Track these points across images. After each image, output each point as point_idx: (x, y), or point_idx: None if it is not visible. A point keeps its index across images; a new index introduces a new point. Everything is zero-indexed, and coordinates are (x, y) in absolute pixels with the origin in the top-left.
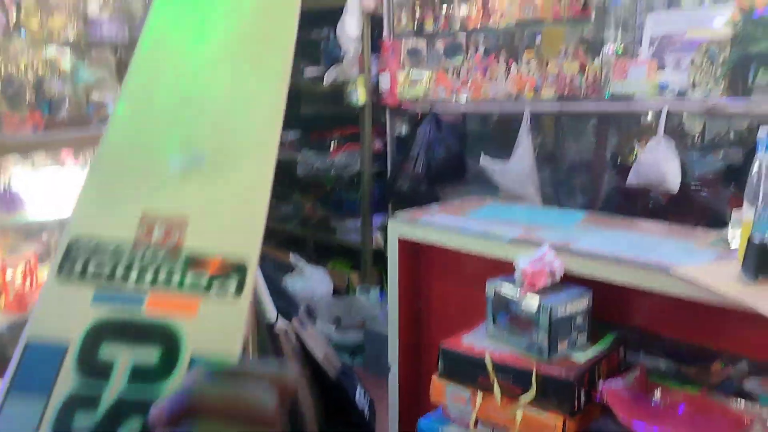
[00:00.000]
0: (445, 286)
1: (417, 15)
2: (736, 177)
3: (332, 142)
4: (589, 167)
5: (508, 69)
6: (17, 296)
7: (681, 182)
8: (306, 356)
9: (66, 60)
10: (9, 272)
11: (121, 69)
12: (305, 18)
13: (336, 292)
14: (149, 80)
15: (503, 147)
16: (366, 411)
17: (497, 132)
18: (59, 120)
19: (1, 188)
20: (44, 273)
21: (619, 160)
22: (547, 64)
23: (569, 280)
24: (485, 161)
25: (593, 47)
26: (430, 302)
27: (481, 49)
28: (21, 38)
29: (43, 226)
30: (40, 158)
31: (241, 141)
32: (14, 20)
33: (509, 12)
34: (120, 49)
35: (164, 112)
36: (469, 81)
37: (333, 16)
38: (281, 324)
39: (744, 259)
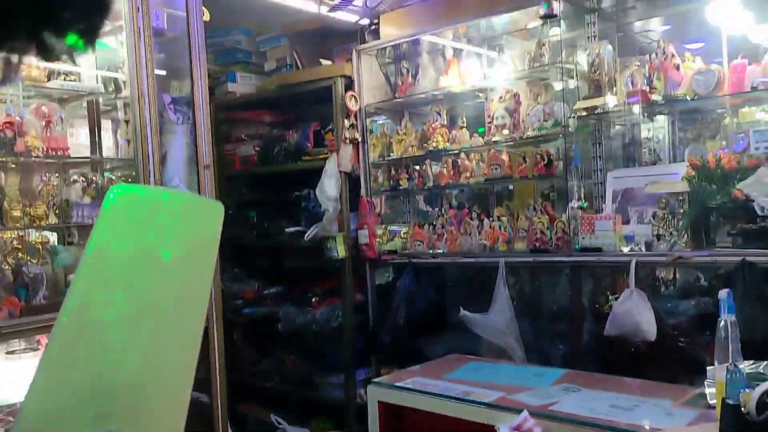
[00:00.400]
0: None
1: (392, 173)
2: (711, 324)
3: (314, 297)
4: (568, 316)
5: (480, 223)
6: None
7: (657, 330)
8: None
9: (47, 244)
10: None
11: None
12: (287, 179)
13: None
14: (68, 351)
15: (482, 297)
16: None
17: (475, 282)
18: (36, 304)
19: None
20: None
21: (597, 307)
22: (517, 219)
23: None
24: (465, 314)
25: (560, 201)
26: None
27: (455, 204)
28: (1, 227)
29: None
30: (15, 343)
31: (154, 410)
32: None
33: (478, 170)
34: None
35: (80, 385)
36: (445, 234)
37: (313, 176)
38: None
39: (721, 421)
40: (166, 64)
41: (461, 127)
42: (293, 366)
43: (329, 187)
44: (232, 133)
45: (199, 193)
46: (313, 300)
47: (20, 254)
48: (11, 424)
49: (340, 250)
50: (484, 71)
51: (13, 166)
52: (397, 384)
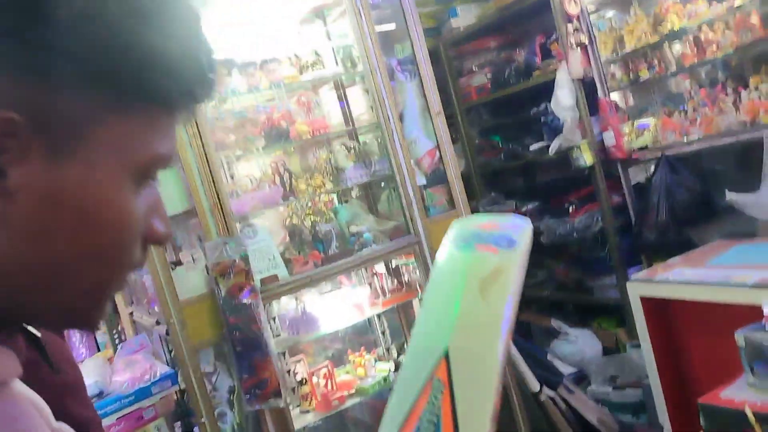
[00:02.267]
0: (699, 338)
1: (630, 67)
2: None
3: (570, 206)
4: None
5: (737, 97)
6: (323, 396)
7: None
8: (580, 422)
9: (331, 205)
10: (314, 378)
11: (368, 202)
12: (519, 98)
13: (606, 351)
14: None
15: (749, 176)
16: None
17: (739, 163)
18: (332, 254)
19: (300, 312)
20: (340, 376)
21: None
22: None
23: None
24: (731, 197)
25: None
26: (688, 356)
27: (706, 83)
28: (294, 199)
29: (334, 336)
30: (323, 284)
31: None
32: (289, 187)
33: (725, 41)
34: (365, 186)
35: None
36: (698, 118)
37: (545, 89)
38: (547, 393)
39: None
40: (387, 31)
41: None
42: (564, 273)
43: (563, 97)
44: (463, 67)
45: (436, 136)
46: (570, 209)
47: (312, 217)
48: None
49: (587, 157)
50: None
51: (292, 150)
52: (656, 278)
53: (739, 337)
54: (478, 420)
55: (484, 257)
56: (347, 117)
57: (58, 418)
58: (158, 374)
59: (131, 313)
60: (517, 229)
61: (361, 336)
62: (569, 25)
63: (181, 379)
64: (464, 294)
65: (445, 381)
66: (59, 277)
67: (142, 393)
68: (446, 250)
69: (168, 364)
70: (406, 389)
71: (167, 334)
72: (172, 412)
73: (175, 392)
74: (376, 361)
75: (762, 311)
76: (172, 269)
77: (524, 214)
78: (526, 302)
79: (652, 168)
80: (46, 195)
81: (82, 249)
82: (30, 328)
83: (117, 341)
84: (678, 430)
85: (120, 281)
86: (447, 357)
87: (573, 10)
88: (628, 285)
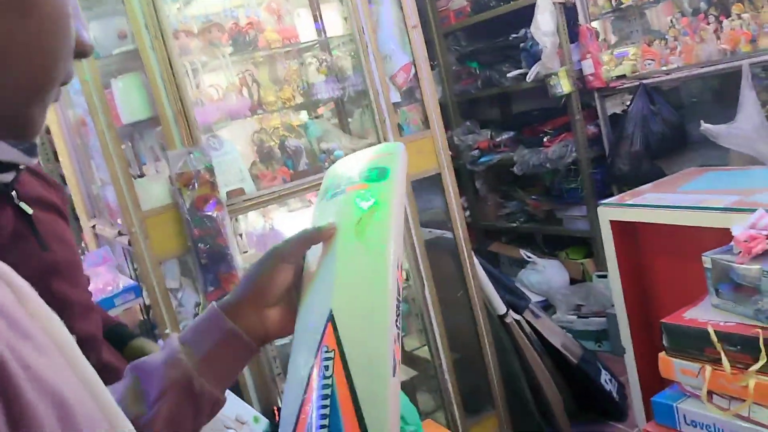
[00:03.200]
0: (666, 262)
1: None
2: None
3: (545, 137)
4: None
5: (719, 26)
6: None
7: None
8: (544, 345)
9: (299, 120)
10: None
11: (341, 119)
12: (500, 22)
13: (573, 281)
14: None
15: (726, 107)
16: (614, 393)
17: (717, 94)
18: (301, 170)
19: (268, 229)
20: None
21: None
22: (761, 11)
23: None
24: (707, 127)
25: None
26: (654, 280)
27: (689, 11)
28: (263, 111)
29: None
30: (292, 202)
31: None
32: (257, 99)
33: None
34: (337, 103)
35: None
36: (678, 47)
37: (526, 14)
38: (512, 316)
39: None
40: None
41: None
42: (535, 205)
43: (544, 22)
44: None
45: (411, 51)
46: (545, 139)
47: (281, 132)
48: None
49: (564, 85)
50: None
51: (261, 60)
52: (627, 202)
53: (706, 259)
54: (376, 379)
55: (354, 198)
56: (320, 28)
57: (41, 296)
58: (121, 286)
59: (93, 226)
60: (388, 158)
61: None
62: None
63: (146, 294)
64: (340, 246)
65: (334, 346)
66: None
67: (105, 304)
68: (317, 206)
69: (132, 278)
70: (298, 373)
71: (129, 245)
72: (136, 325)
73: (140, 306)
74: None
75: (730, 234)
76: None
77: (499, 144)
78: (495, 233)
79: (629, 99)
80: None
81: (19, 37)
82: (22, 205)
83: (80, 254)
84: (640, 351)
85: (55, 83)
86: (333, 320)
87: None
88: (599, 209)
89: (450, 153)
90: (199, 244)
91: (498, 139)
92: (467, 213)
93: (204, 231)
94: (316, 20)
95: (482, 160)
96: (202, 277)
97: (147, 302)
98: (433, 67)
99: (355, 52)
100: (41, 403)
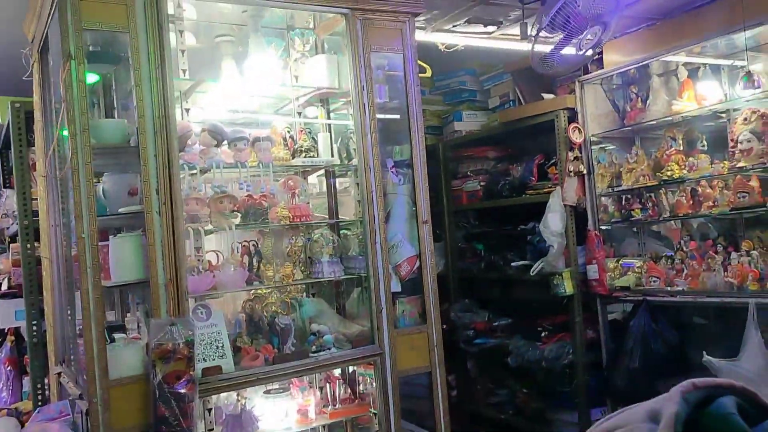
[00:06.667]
0: None
1: (623, 204)
2: None
3: (543, 332)
4: None
5: (727, 257)
6: None
7: None
8: None
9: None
10: None
11: (337, 298)
12: (511, 212)
13: None
14: None
15: (728, 341)
16: None
17: (720, 324)
18: (286, 353)
19: (239, 410)
20: None
21: None
22: None
23: None
24: (709, 360)
25: None
26: None
27: (696, 236)
28: (259, 284)
29: None
30: (271, 384)
31: None
32: (255, 269)
33: (721, 199)
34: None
35: None
36: (684, 270)
37: (538, 210)
38: None
39: None
40: (389, 130)
41: (701, 153)
42: (525, 400)
43: (554, 222)
44: (459, 170)
45: (419, 244)
46: (543, 335)
47: (273, 308)
48: None
49: (568, 286)
50: (725, 91)
51: (267, 231)
52: None
53: None
54: None
55: None
56: (332, 209)
57: None
58: None
59: (59, 374)
60: None
61: None
62: (570, 153)
63: None
64: None
65: None
66: None
67: None
68: None
69: None
70: None
71: (86, 414)
72: None
73: None
74: None
75: None
76: (109, 340)
77: (496, 328)
78: (481, 420)
79: (630, 306)
80: None
81: None
82: None
83: (39, 398)
84: None
85: None
86: None
87: (576, 138)
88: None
89: (445, 326)
90: (161, 426)
91: (495, 323)
92: (454, 392)
93: (170, 410)
94: (329, 202)
95: (477, 341)
96: None
97: None
98: (438, 239)
99: (362, 235)
100: None
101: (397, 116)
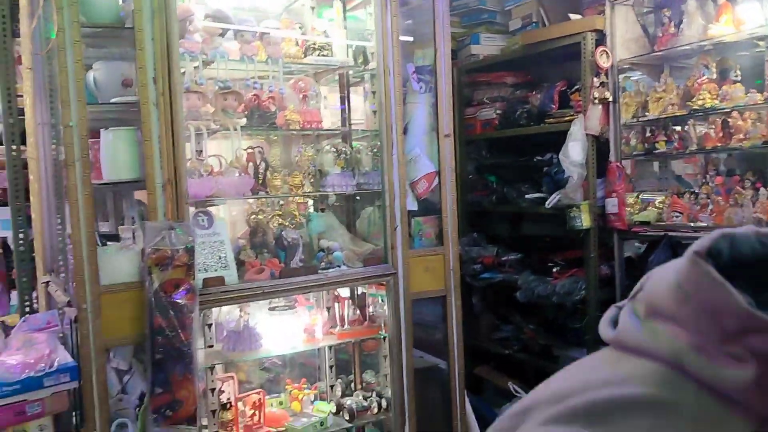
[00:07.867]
0: None
1: (647, 135)
2: None
3: (555, 267)
4: None
5: (755, 192)
6: (246, 429)
7: None
8: None
9: (303, 211)
10: (241, 405)
11: (347, 216)
12: (529, 143)
13: None
14: None
15: None
16: None
17: None
18: (293, 267)
19: (242, 326)
20: (272, 406)
21: None
22: None
23: None
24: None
25: None
26: None
27: (723, 170)
28: (265, 195)
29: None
30: (276, 299)
31: None
32: (261, 179)
33: (754, 132)
34: (347, 198)
35: None
36: (710, 205)
37: (556, 140)
38: None
39: None
40: (411, 30)
41: (734, 82)
42: (532, 336)
43: (574, 152)
44: (473, 97)
45: (439, 160)
46: (554, 270)
47: (281, 220)
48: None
49: (585, 220)
50: (767, 15)
51: (275, 138)
52: None
53: None
54: None
55: None
56: (347, 117)
57: None
58: (56, 365)
59: (47, 283)
60: None
61: (304, 365)
62: (596, 79)
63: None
64: None
65: None
66: None
67: (31, 383)
68: None
69: (72, 355)
70: None
71: (75, 321)
72: (64, 412)
73: (72, 393)
74: (315, 398)
75: None
76: (101, 245)
77: (504, 263)
78: (484, 354)
79: (645, 245)
80: None
81: None
82: None
83: (27, 310)
84: None
85: None
86: None
87: (604, 63)
88: None
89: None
90: (158, 336)
91: (504, 258)
92: None
93: (167, 321)
94: (342, 110)
95: (484, 276)
96: (152, 375)
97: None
98: None
99: (378, 148)
100: None
101: (420, 17)
